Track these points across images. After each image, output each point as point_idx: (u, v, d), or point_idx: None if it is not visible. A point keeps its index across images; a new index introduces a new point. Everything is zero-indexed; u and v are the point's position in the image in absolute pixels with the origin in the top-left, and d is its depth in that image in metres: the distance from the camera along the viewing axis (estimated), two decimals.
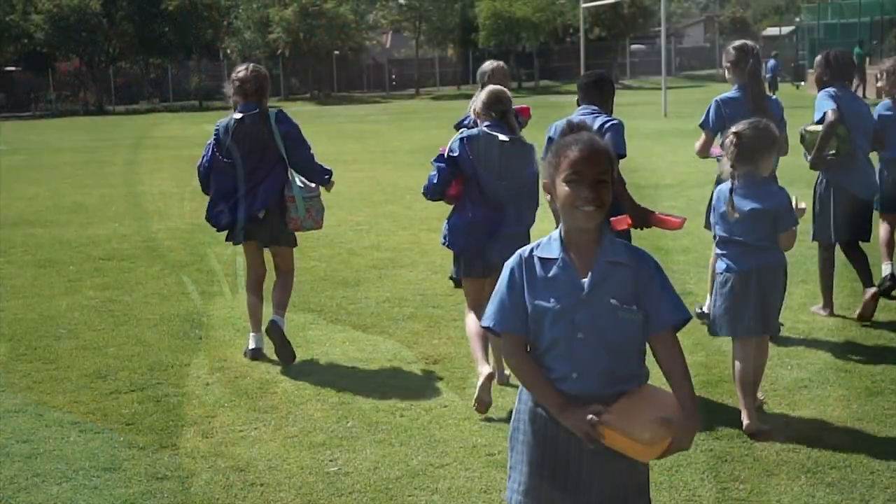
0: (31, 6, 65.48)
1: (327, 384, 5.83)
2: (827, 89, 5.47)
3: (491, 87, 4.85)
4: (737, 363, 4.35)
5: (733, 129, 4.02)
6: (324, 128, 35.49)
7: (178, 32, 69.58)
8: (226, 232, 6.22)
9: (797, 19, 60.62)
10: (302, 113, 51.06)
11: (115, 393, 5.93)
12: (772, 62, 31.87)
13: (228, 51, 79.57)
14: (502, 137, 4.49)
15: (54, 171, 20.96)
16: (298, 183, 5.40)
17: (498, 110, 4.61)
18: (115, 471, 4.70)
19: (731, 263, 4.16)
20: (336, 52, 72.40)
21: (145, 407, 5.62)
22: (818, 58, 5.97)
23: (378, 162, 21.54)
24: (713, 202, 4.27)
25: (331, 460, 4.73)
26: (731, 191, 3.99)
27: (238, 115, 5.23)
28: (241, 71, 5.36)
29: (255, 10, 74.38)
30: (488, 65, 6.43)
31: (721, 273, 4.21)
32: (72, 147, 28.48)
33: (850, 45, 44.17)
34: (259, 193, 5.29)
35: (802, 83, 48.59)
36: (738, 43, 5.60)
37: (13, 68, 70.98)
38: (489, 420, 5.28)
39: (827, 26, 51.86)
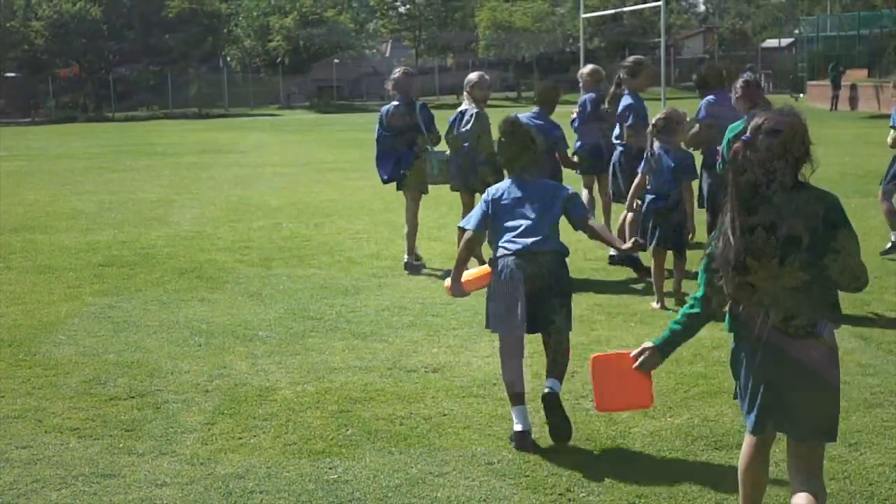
0: (31, 12, 65.74)
1: (326, 392, 5.84)
2: (707, 97, 7.92)
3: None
4: (656, 263, 7.30)
5: (665, 116, 6.89)
6: (323, 136, 35.39)
7: (178, 40, 69.78)
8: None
9: (796, 31, 60.85)
10: (301, 121, 51.19)
11: (114, 399, 5.93)
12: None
13: (229, 58, 79.95)
14: (470, 111, 8.04)
15: (54, 176, 20.97)
16: (434, 149, 8.15)
17: (468, 92, 8.17)
18: (115, 477, 4.71)
19: (661, 202, 6.87)
20: (336, 61, 72.61)
21: (145, 413, 5.63)
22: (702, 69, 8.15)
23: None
24: (646, 165, 6.94)
25: (330, 468, 4.73)
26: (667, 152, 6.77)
27: (395, 103, 8.18)
28: (395, 73, 8.40)
29: (256, 18, 74.66)
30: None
31: (652, 210, 6.94)
32: (71, 153, 28.50)
33: (849, 56, 44.40)
34: (403, 158, 8.12)
35: (802, 95, 48.81)
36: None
37: (13, 74, 71.19)
38: (489, 428, 5.29)
39: (826, 38, 52.07)
